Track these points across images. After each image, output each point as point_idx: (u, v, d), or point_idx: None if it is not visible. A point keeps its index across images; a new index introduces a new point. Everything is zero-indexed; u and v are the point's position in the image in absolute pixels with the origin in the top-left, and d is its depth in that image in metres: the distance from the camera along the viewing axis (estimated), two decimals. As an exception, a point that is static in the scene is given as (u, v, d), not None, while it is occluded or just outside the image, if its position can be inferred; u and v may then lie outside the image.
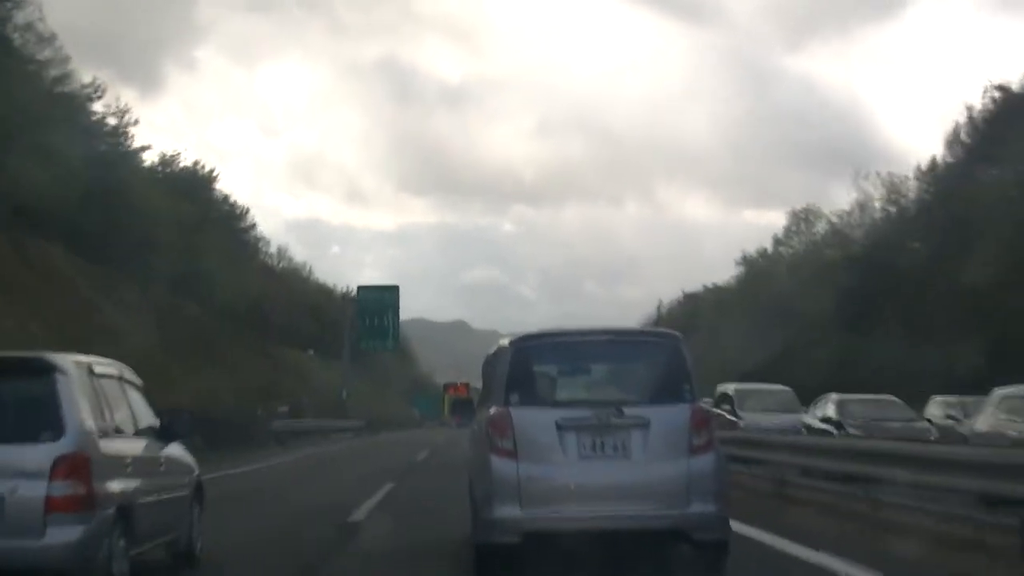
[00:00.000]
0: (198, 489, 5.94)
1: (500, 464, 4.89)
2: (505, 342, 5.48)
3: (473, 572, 5.14)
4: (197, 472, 5.99)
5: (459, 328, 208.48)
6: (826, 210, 43.51)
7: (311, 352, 39.50)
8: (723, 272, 60.46)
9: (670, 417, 5.00)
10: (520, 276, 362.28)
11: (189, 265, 31.05)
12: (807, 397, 17.78)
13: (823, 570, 5.33)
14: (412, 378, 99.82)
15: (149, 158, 36.76)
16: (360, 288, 44.81)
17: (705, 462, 4.92)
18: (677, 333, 5.55)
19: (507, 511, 4.83)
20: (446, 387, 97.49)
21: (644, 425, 4.93)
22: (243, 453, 17.90)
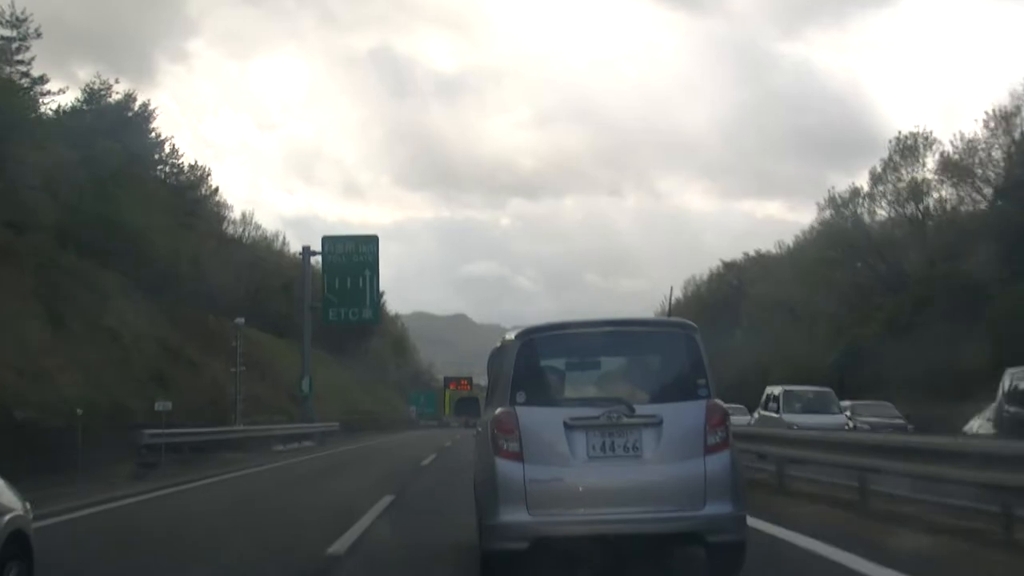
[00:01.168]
0: (15, 542, 4.96)
1: (506, 466, 6.07)
2: (511, 335, 6.67)
3: None
4: (16, 515, 5.05)
5: (460, 322, 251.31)
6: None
7: (241, 321, 35.58)
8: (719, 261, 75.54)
9: (684, 415, 6.16)
10: (519, 268, 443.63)
11: (87, 214, 30.59)
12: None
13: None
14: (410, 372, 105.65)
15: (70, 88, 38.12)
16: (325, 240, 41.11)
17: (721, 461, 6.07)
18: (692, 323, 6.69)
19: (514, 516, 5.99)
20: (447, 382, 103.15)
21: (657, 424, 6.09)
22: (45, 488, 12.82)
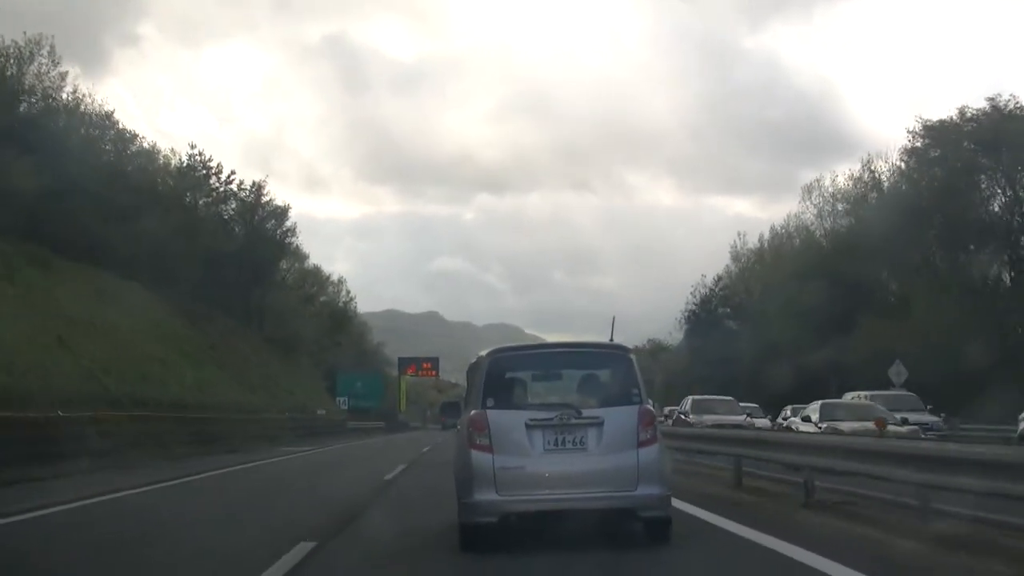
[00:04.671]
0: None
1: (479, 457, 9.25)
2: (484, 353, 10.01)
3: (459, 547, 9.51)
4: None
5: (432, 319, 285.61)
6: None
7: None
8: (700, 261, 68.93)
9: (621, 416, 9.42)
10: (487, 265, 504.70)
11: None
12: None
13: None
14: (353, 354, 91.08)
15: None
16: None
17: (650, 453, 9.32)
18: (628, 347, 10.21)
19: (485, 496, 9.16)
20: (403, 365, 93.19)
21: (599, 424, 9.35)
22: None
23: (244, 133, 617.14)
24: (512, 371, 9.92)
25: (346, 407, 71.10)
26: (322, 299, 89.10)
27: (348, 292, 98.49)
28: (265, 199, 66.33)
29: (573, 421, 9.17)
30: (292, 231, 70.26)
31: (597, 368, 10.13)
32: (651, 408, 9.58)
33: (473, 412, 9.44)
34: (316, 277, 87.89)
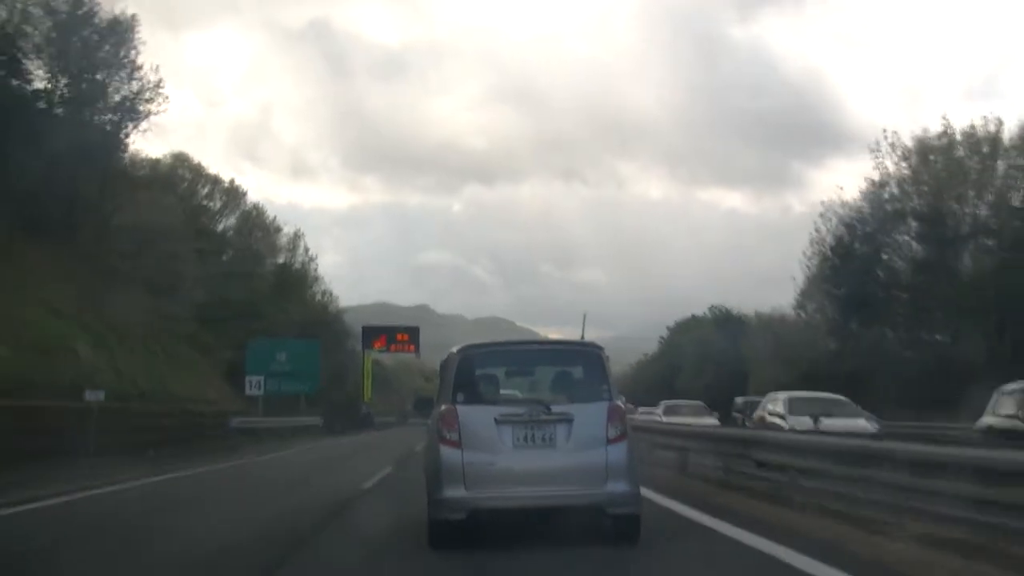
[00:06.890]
0: None
1: (448, 452, 10.11)
2: (455, 350, 10.93)
3: (427, 543, 10.36)
4: None
5: (423, 312, 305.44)
6: None
7: None
8: (686, 254, 66.18)
9: (590, 413, 10.32)
10: (478, 258, 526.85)
11: None
12: None
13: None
14: (297, 319, 69.55)
15: None
16: None
17: (620, 450, 10.23)
18: (599, 344, 11.06)
19: (454, 492, 10.01)
20: (370, 338, 77.11)
21: (568, 420, 10.27)
22: None
23: (230, 118, 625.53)
24: (483, 367, 10.78)
25: (260, 392, 48.47)
26: (275, 259, 71.18)
27: (307, 250, 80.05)
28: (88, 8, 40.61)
29: (543, 417, 10.00)
30: (156, 85, 43.94)
31: (568, 365, 11.01)
32: (621, 405, 10.43)
33: (443, 407, 10.26)
34: (258, 221, 68.90)
